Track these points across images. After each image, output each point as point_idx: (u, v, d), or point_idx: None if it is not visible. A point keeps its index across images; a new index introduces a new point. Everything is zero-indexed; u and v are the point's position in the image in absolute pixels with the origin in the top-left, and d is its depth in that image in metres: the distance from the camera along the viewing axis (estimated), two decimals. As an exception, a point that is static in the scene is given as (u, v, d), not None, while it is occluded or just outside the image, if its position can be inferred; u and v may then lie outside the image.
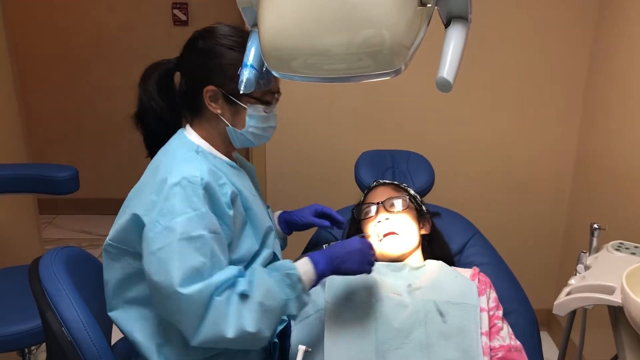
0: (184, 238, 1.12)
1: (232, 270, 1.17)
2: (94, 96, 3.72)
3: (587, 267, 1.41)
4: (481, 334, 1.33)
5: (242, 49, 1.10)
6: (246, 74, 0.99)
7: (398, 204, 1.52)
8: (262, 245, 1.33)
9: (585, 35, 2.23)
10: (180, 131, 1.32)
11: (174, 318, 1.17)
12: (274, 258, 1.38)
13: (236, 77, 1.08)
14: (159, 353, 1.24)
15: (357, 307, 1.34)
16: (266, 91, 1.25)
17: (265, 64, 0.82)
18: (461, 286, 1.39)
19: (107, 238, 1.26)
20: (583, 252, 1.44)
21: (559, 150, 2.38)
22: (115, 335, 1.49)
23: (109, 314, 1.29)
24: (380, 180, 1.67)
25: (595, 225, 1.50)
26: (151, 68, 1.33)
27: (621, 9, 2.03)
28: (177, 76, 1.34)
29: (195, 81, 1.27)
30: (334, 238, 1.74)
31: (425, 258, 1.53)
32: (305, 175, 2.42)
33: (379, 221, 1.49)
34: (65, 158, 3.69)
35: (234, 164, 1.32)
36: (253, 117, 1.26)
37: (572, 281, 1.36)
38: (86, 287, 1.30)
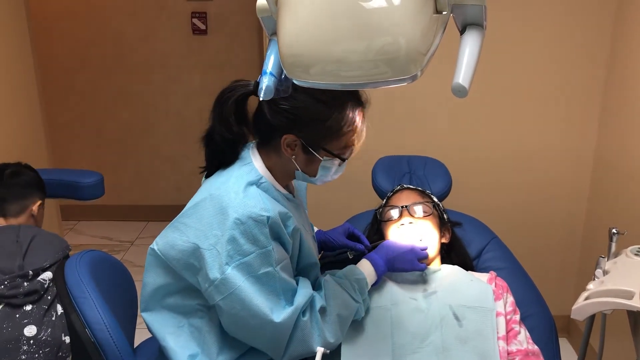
0: (255, 276, 1.16)
1: (308, 289, 1.24)
2: (114, 104, 3.78)
3: (605, 272, 1.40)
4: (498, 338, 1.33)
5: (332, 103, 1.18)
6: (265, 82, 0.99)
7: (421, 209, 1.51)
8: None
9: (603, 38, 2.22)
10: (245, 153, 1.27)
11: (261, 343, 1.22)
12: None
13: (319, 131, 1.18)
14: None
15: (374, 311, 1.35)
16: (345, 147, 1.23)
17: (284, 71, 0.84)
18: (477, 290, 1.40)
19: (156, 246, 1.24)
20: (602, 257, 1.43)
21: (577, 154, 2.37)
22: (138, 338, 1.51)
23: (142, 313, 1.28)
24: (405, 185, 1.66)
25: (614, 230, 1.48)
26: (227, 92, 1.21)
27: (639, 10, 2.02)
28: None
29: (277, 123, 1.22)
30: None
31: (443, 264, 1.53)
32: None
33: (402, 224, 1.49)
34: (87, 165, 3.75)
35: (290, 196, 1.30)
36: (326, 168, 1.25)
37: (591, 286, 1.35)
38: (110, 290, 1.33)
